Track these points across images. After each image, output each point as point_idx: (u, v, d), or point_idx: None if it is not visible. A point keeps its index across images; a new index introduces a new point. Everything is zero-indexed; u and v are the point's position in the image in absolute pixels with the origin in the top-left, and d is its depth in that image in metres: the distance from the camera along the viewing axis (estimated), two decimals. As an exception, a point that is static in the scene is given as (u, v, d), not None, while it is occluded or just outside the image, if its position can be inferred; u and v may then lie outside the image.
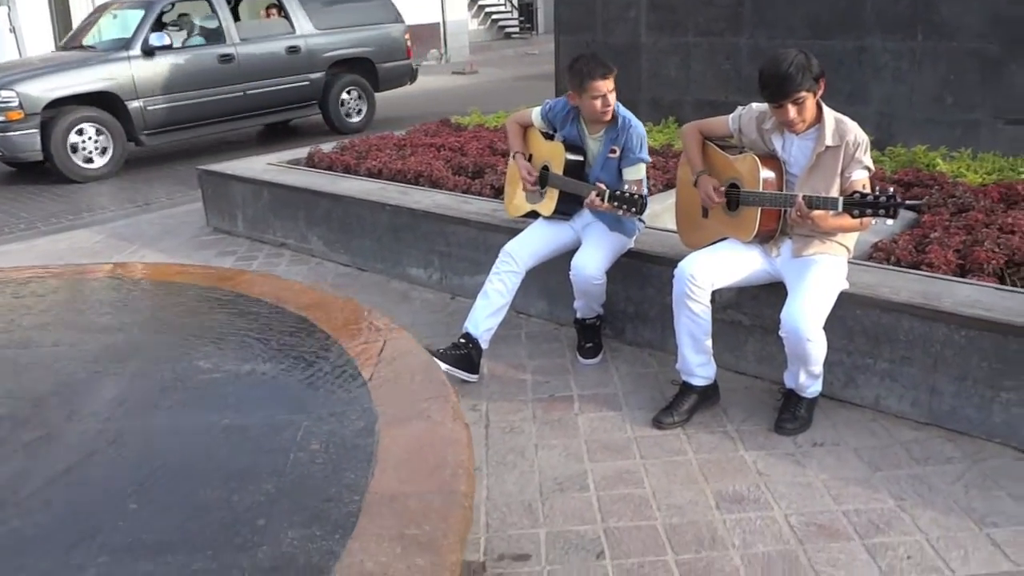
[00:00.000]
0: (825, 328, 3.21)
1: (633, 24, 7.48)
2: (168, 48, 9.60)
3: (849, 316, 3.44)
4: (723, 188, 3.48)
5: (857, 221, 3.12)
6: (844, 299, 3.37)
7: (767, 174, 3.35)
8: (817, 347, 3.21)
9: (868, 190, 3.08)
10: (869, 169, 3.27)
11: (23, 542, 1.65)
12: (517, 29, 27.88)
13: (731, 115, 3.56)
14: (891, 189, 2.99)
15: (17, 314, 2.93)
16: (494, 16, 27.35)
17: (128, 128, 9.38)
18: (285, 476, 1.83)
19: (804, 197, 3.15)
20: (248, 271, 4.80)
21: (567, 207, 3.97)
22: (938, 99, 5.89)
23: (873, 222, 3.11)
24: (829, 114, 3.27)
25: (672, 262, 3.53)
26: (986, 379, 3.20)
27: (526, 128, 4.19)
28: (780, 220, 3.39)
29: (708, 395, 3.57)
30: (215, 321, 2.76)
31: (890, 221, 3.01)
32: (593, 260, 3.81)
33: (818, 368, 3.31)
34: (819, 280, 3.25)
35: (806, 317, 3.16)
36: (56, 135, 8.83)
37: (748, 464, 3.20)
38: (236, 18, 10.61)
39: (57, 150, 8.86)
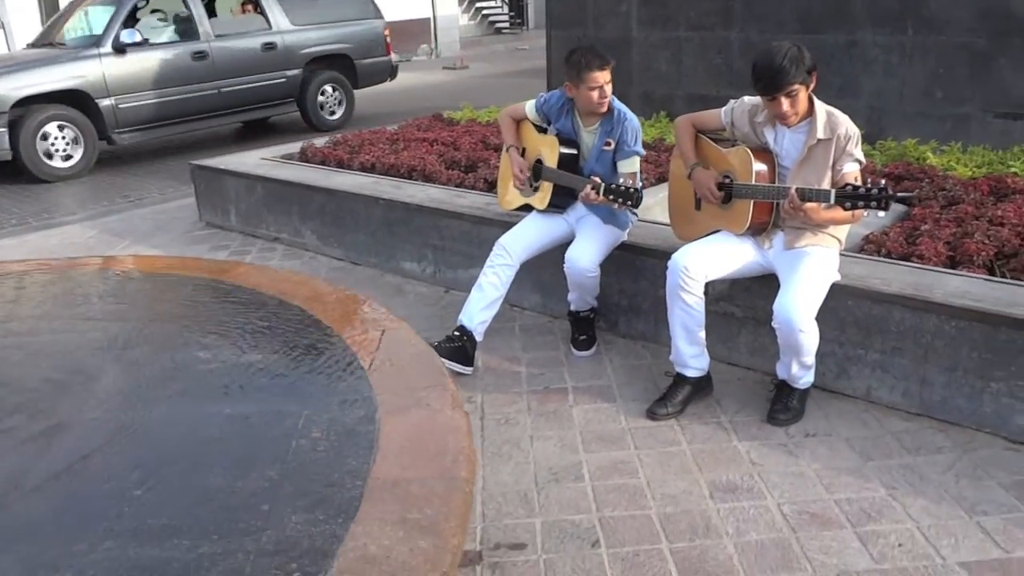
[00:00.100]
0: (817, 319, 3.24)
1: (624, 18, 7.50)
2: (140, 45, 9.42)
3: (841, 307, 3.48)
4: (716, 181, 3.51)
5: (849, 213, 3.14)
6: (836, 290, 3.40)
7: (759, 167, 3.37)
8: (809, 338, 3.24)
9: (859, 183, 3.12)
10: (860, 162, 3.30)
11: (31, 527, 1.67)
12: (508, 24, 27.86)
13: (723, 108, 3.58)
14: (883, 182, 3.02)
15: (19, 304, 2.94)
16: (484, 11, 27.33)
17: (99, 127, 9.22)
18: (288, 463, 1.85)
19: (797, 189, 3.17)
20: (245, 263, 4.81)
21: (561, 200, 3.99)
22: (928, 93, 5.93)
23: (865, 214, 3.14)
24: (820, 107, 3.30)
25: (665, 255, 3.56)
26: (976, 369, 3.24)
27: (519, 122, 4.21)
28: (772, 212, 3.42)
29: (701, 386, 3.59)
30: (214, 312, 2.78)
31: (881, 213, 3.03)
32: (587, 253, 3.83)
33: (810, 359, 3.34)
34: (811, 272, 3.28)
35: (798, 308, 3.19)
36: (25, 134, 8.67)
37: (741, 454, 3.23)
38: (211, 14, 10.45)
39: (26, 149, 8.69)
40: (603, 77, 3.71)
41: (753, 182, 3.35)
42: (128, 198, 8.09)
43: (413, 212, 5.09)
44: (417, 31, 21.79)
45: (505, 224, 4.23)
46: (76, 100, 9.08)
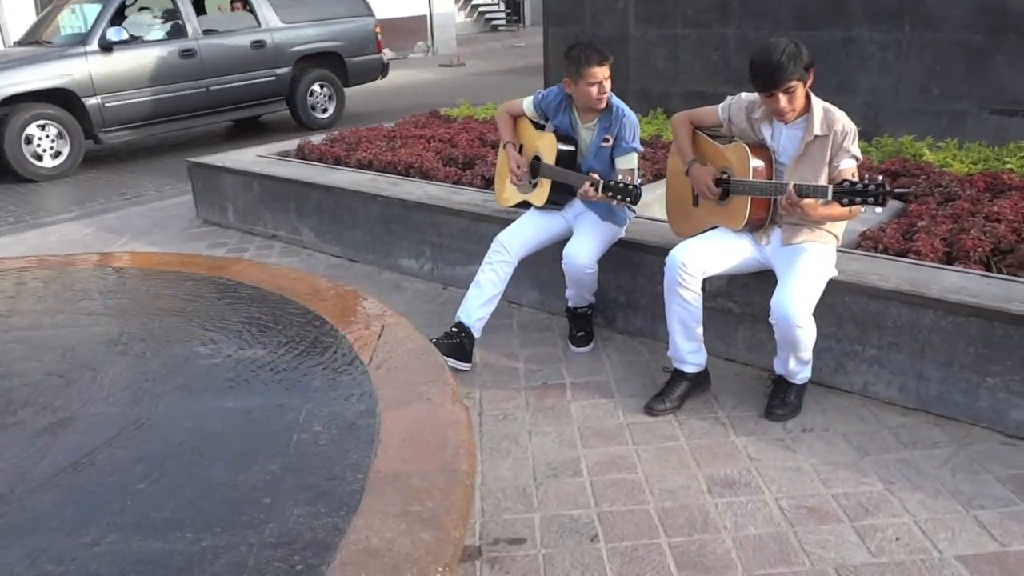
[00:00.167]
0: (814, 315, 3.26)
1: (621, 15, 7.51)
2: (127, 43, 9.35)
3: (838, 303, 3.49)
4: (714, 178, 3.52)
5: (846, 209, 3.15)
6: (833, 286, 3.41)
7: (757, 163, 3.38)
8: (807, 334, 3.25)
9: (856, 179, 3.13)
10: (857, 159, 3.31)
11: (36, 521, 1.68)
12: (504, 22, 27.87)
13: (721, 105, 3.59)
14: (880, 178, 3.03)
15: (20, 299, 2.95)
16: (481, 9, 27.33)
17: (86, 126, 9.14)
18: (289, 456, 1.86)
19: (794, 185, 3.18)
20: (243, 260, 4.82)
21: (559, 197, 4.00)
22: (924, 90, 5.94)
23: (862, 210, 3.15)
24: (818, 104, 3.31)
25: (663, 251, 3.57)
26: (972, 365, 3.25)
27: (516, 118, 4.21)
28: (770, 209, 3.44)
29: (699, 382, 3.61)
30: (215, 308, 2.78)
31: (879, 209, 3.05)
32: (585, 249, 3.84)
33: (807, 355, 3.35)
34: (808, 268, 3.29)
35: (796, 304, 3.20)
36: (10, 133, 8.61)
37: (739, 449, 3.24)
38: (200, 12, 10.36)
39: (11, 148, 8.63)
40: (602, 73, 3.72)
41: (751, 178, 3.37)
42: (125, 195, 8.08)
43: (411, 209, 5.10)
44: (414, 28, 21.79)
45: (503, 221, 4.23)
46: (62, 99, 8.99)
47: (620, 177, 3.64)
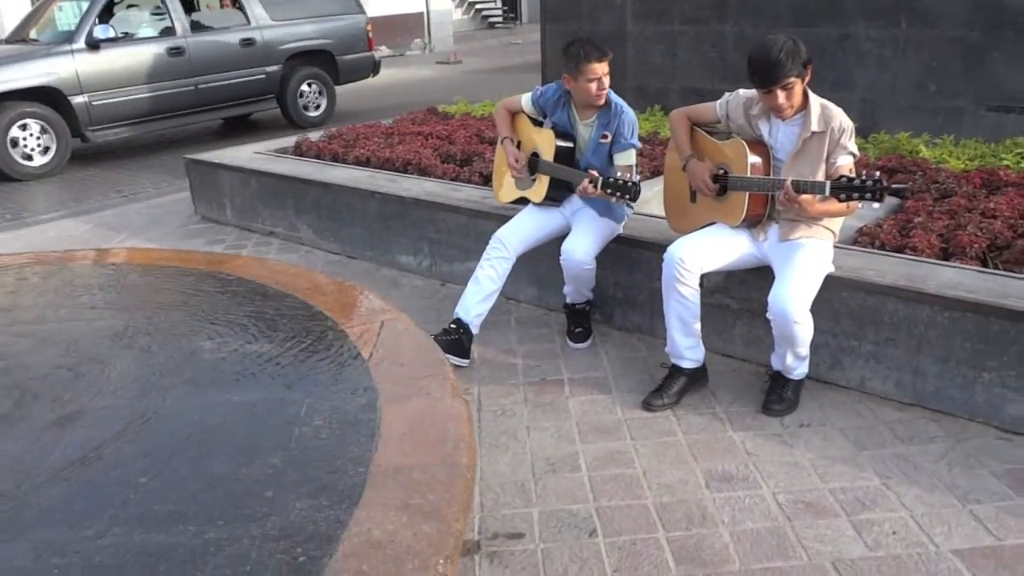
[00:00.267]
0: (812, 311, 3.27)
1: (619, 12, 7.52)
2: (114, 41, 9.26)
3: (835, 299, 3.50)
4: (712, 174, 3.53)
5: (844, 205, 3.16)
6: (830, 282, 3.42)
7: (755, 159, 3.39)
8: (804, 329, 3.26)
9: (853, 175, 3.14)
10: (854, 155, 3.32)
11: (42, 515, 1.69)
12: (501, 19, 27.85)
13: (718, 101, 3.60)
14: (877, 174, 3.05)
15: (22, 294, 2.96)
16: (478, 6, 27.31)
17: (73, 124, 9.05)
18: (291, 450, 1.87)
19: (792, 181, 3.19)
20: (243, 256, 4.82)
21: (557, 193, 4.01)
22: (921, 86, 5.95)
23: (859, 206, 3.16)
24: (815, 100, 3.32)
25: (660, 247, 3.58)
26: (969, 360, 3.27)
27: (515, 115, 4.22)
28: (767, 205, 3.45)
29: (697, 377, 3.62)
30: (218, 303, 2.80)
31: (876, 205, 3.06)
32: (583, 245, 3.85)
33: (805, 350, 3.37)
34: (806, 263, 3.31)
35: (793, 300, 3.21)
36: None
37: (737, 444, 3.25)
38: (191, 9, 10.28)
39: None
40: (601, 69, 3.72)
41: (748, 174, 3.38)
42: (122, 192, 8.08)
43: (409, 206, 5.10)
44: (411, 25, 21.78)
45: (501, 217, 4.24)
46: (49, 97, 8.92)
47: (619, 174, 3.65)
